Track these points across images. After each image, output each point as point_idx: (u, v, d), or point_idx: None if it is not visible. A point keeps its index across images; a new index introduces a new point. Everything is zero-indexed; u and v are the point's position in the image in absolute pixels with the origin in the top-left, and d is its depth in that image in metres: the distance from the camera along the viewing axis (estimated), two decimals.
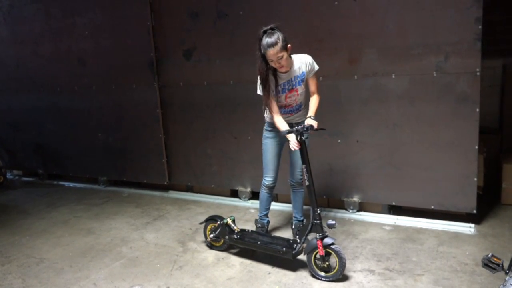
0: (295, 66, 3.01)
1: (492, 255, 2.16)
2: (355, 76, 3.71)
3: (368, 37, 3.61)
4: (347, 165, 3.89)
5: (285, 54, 2.83)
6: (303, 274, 2.90)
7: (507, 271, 2.13)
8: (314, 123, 2.96)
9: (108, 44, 4.96)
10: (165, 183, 4.96)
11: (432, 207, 3.62)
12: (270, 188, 3.31)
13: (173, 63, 4.61)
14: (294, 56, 3.02)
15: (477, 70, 3.26)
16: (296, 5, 3.83)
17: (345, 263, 2.77)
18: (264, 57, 2.86)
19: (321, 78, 3.83)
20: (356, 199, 3.94)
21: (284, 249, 2.93)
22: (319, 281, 2.81)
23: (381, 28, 3.54)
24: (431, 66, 3.42)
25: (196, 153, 4.70)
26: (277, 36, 2.79)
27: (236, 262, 3.16)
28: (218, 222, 3.29)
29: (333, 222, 2.83)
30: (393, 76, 3.57)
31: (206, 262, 3.19)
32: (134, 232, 3.89)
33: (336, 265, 2.77)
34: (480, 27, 3.20)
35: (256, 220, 3.50)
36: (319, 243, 2.79)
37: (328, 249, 2.79)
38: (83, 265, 3.27)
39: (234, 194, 4.64)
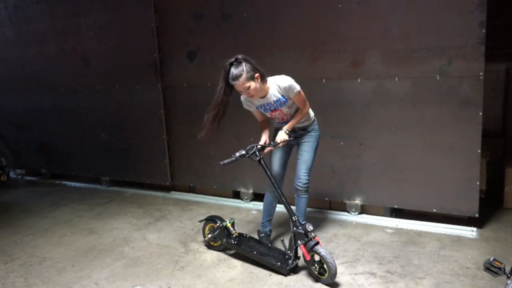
0: (269, 93, 2.98)
1: (494, 259, 2.16)
2: (358, 79, 3.71)
3: (371, 40, 3.61)
4: (349, 167, 3.90)
5: (252, 84, 2.84)
6: (304, 276, 2.90)
7: (509, 275, 2.13)
8: (280, 139, 3.00)
9: (112, 45, 4.98)
10: (168, 183, 4.97)
11: (434, 210, 3.62)
12: (272, 192, 3.26)
13: (177, 64, 4.63)
14: (270, 81, 2.98)
15: (481, 74, 3.26)
16: (300, 7, 3.84)
17: (333, 266, 2.70)
18: (228, 85, 2.90)
19: (324, 80, 3.85)
20: (358, 201, 3.94)
21: (279, 263, 2.92)
22: (320, 283, 2.81)
23: (384, 31, 3.55)
24: (434, 69, 3.42)
25: (198, 154, 4.71)
26: (241, 68, 2.80)
27: (238, 264, 3.16)
28: (217, 224, 3.29)
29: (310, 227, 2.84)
30: (396, 79, 3.57)
31: (208, 263, 3.20)
32: (136, 232, 3.90)
33: (326, 268, 2.74)
34: (484, 31, 3.20)
35: (258, 230, 3.43)
36: (302, 248, 2.79)
37: (312, 253, 2.78)
38: (85, 264, 3.28)
39: (236, 195, 4.65)
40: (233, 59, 2.86)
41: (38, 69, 5.66)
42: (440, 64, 3.39)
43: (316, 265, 2.79)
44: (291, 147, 3.30)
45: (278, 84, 2.97)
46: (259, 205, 4.36)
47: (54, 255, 3.48)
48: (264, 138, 3.14)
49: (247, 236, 3.32)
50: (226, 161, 2.94)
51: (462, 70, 3.32)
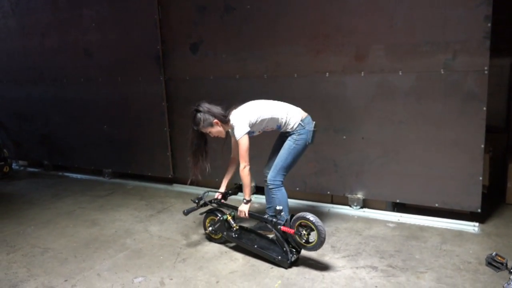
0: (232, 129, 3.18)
1: (496, 254, 2.15)
2: (362, 73, 3.69)
3: (375, 33, 3.58)
4: (351, 161, 3.89)
5: (211, 130, 3.11)
6: (306, 269, 2.91)
7: (511, 270, 2.13)
8: (240, 215, 3.21)
9: (115, 37, 4.96)
10: (170, 176, 4.98)
11: (436, 205, 3.61)
12: (266, 180, 3.33)
13: (180, 57, 4.61)
14: (232, 118, 3.13)
15: (485, 68, 3.24)
16: (304, 0, 3.81)
17: (315, 220, 2.79)
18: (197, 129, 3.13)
19: (327, 73, 3.83)
20: (360, 195, 3.94)
21: (279, 257, 2.94)
22: (321, 276, 2.82)
23: (389, 25, 3.52)
24: (438, 63, 3.40)
25: None
26: (199, 118, 3.06)
27: (239, 256, 3.17)
28: (218, 217, 3.29)
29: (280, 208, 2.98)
30: (400, 73, 3.55)
31: (209, 255, 3.21)
32: (138, 224, 3.91)
33: (314, 227, 2.79)
34: (489, 25, 3.17)
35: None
36: (284, 229, 2.89)
37: (296, 223, 2.85)
38: (87, 255, 3.30)
39: (239, 188, 4.64)
40: (193, 108, 3.09)
41: (41, 60, 5.65)
42: (445, 58, 3.37)
43: (304, 232, 2.83)
44: (283, 140, 3.34)
45: (233, 125, 3.13)
46: (261, 198, 4.36)
47: (57, 246, 3.50)
48: (223, 186, 3.44)
49: (248, 228, 3.32)
50: (188, 209, 3.35)
51: (467, 64, 3.30)
